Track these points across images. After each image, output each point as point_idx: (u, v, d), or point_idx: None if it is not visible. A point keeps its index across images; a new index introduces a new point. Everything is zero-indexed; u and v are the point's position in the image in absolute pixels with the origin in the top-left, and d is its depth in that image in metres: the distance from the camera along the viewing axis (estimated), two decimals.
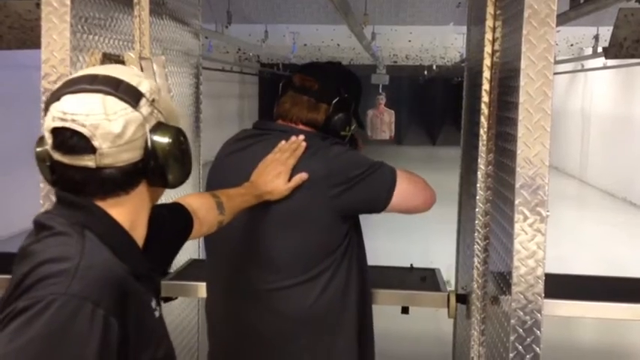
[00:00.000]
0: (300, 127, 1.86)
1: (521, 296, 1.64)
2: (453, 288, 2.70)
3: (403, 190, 1.80)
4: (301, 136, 1.78)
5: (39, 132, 1.75)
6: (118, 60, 2.03)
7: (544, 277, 1.64)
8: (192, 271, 2.67)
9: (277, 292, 1.76)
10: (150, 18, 2.19)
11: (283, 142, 1.78)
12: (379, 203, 1.80)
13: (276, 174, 1.72)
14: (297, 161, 1.74)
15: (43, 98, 1.75)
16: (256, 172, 1.75)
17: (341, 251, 1.79)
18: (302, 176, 1.72)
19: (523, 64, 1.60)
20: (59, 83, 1.73)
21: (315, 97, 1.85)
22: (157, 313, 1.14)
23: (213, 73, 11.97)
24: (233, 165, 1.85)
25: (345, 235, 1.80)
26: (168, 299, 2.49)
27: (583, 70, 12.30)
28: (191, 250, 2.87)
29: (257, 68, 16.54)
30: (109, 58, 1.97)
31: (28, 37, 2.38)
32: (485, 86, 2.10)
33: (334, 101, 1.86)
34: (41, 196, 1.76)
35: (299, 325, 1.76)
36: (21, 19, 2.39)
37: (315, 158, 1.75)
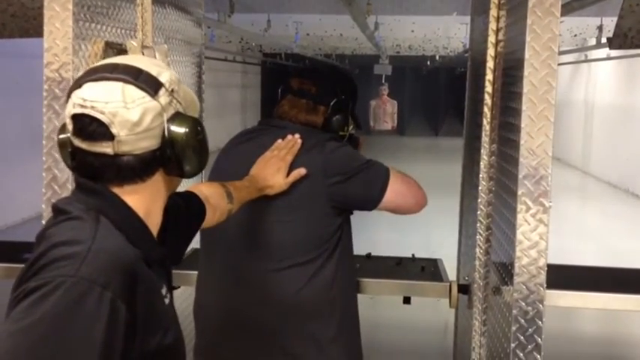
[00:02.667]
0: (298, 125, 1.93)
1: (523, 287, 1.64)
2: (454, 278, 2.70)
3: (396, 188, 1.86)
4: (297, 135, 1.86)
5: (40, 121, 1.75)
6: (121, 49, 2.03)
7: (546, 268, 1.64)
8: (194, 260, 2.66)
9: (267, 275, 1.81)
10: (152, 6, 2.19)
11: (280, 140, 1.85)
12: (372, 198, 1.85)
13: (275, 169, 1.79)
14: (297, 154, 1.81)
15: (45, 87, 1.75)
16: (256, 168, 1.82)
17: (333, 243, 1.83)
18: (300, 171, 1.80)
19: (527, 54, 1.60)
20: (62, 71, 1.75)
21: (313, 99, 1.93)
22: (167, 300, 1.16)
23: (215, 63, 11.95)
24: (239, 154, 1.92)
25: (338, 228, 1.85)
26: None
27: (586, 60, 12.25)
28: (194, 241, 2.87)
29: (259, 58, 16.51)
30: (111, 47, 1.97)
31: (31, 25, 2.37)
32: (489, 76, 2.09)
33: (332, 103, 1.93)
34: (44, 185, 1.76)
35: (287, 311, 1.80)
36: (24, 7, 2.39)
37: (313, 152, 1.82)
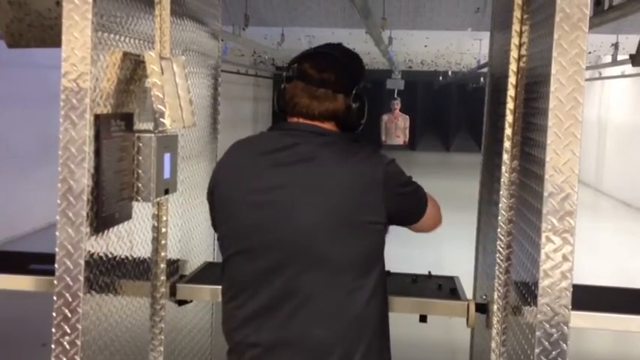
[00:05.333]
0: (326, 125, 1.82)
1: (548, 308, 1.59)
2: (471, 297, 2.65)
3: (430, 209, 1.89)
4: None
5: (52, 131, 1.73)
6: (138, 59, 2.01)
7: (572, 289, 1.60)
8: (206, 274, 2.64)
9: (336, 294, 1.72)
10: (170, 18, 2.18)
11: None
12: (415, 216, 1.87)
13: None
14: (354, 165, 1.74)
15: (63, 97, 1.73)
16: None
17: (381, 257, 1.80)
18: None
19: (554, 69, 1.56)
20: (79, 81, 1.73)
21: (333, 88, 1.82)
22: None
23: (228, 76, 11.98)
24: (271, 166, 1.77)
25: (383, 242, 1.80)
26: (182, 302, 2.46)
27: (600, 78, 12.20)
28: (206, 254, 2.84)
29: (272, 71, 16.55)
30: (129, 58, 1.95)
31: (48, 35, 2.36)
32: (511, 92, 2.06)
33: (352, 91, 1.84)
34: (59, 196, 1.73)
35: (357, 329, 1.73)
36: (40, 17, 2.37)
37: (369, 162, 1.76)
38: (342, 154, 1.76)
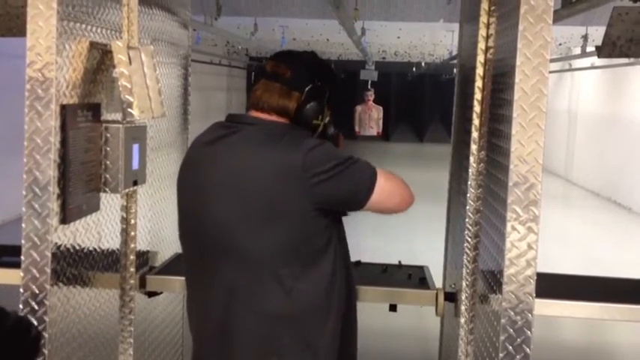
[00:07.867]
0: (273, 117, 1.81)
1: (513, 296, 1.62)
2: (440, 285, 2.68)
3: (383, 187, 1.75)
4: None
5: (22, 122, 1.72)
6: (106, 49, 1.99)
7: (536, 277, 1.62)
8: (177, 265, 2.63)
9: (256, 288, 1.73)
10: (138, 7, 2.15)
11: None
12: (358, 198, 1.75)
13: None
14: (273, 152, 1.71)
15: (28, 87, 1.71)
16: None
17: (322, 245, 1.75)
18: None
19: (519, 60, 1.58)
20: (45, 71, 1.71)
21: (287, 84, 1.82)
22: None
23: (201, 66, 11.90)
24: (206, 157, 1.81)
25: (325, 229, 1.76)
26: (153, 294, 2.45)
27: (571, 69, 12.35)
28: (176, 245, 2.83)
29: (245, 61, 16.48)
30: (96, 47, 1.93)
31: (15, 24, 2.33)
32: (478, 83, 2.08)
33: (307, 89, 1.82)
34: (24, 187, 1.71)
35: (281, 323, 1.73)
36: (7, 5, 2.34)
37: (290, 150, 1.71)
38: (263, 144, 1.74)
